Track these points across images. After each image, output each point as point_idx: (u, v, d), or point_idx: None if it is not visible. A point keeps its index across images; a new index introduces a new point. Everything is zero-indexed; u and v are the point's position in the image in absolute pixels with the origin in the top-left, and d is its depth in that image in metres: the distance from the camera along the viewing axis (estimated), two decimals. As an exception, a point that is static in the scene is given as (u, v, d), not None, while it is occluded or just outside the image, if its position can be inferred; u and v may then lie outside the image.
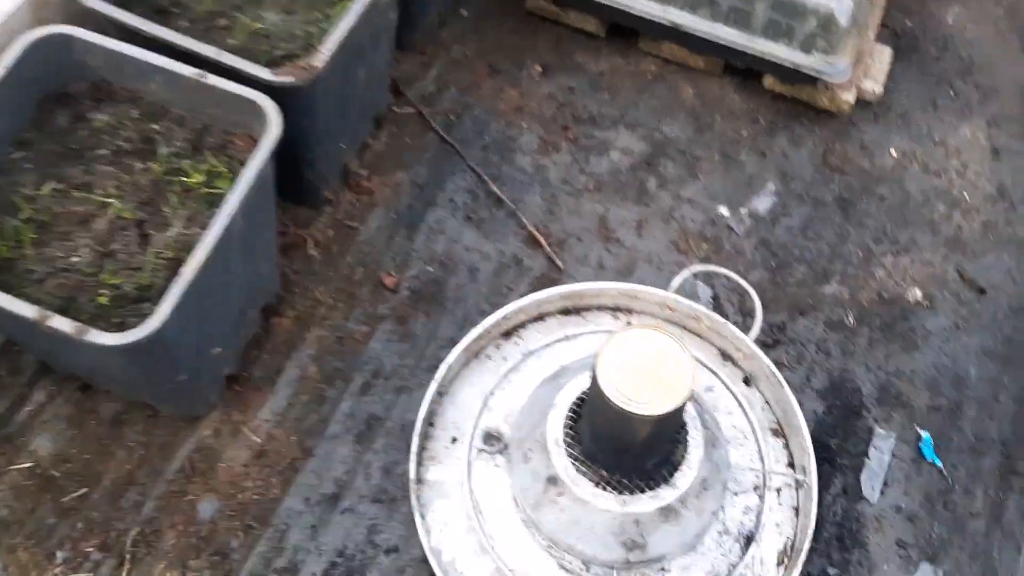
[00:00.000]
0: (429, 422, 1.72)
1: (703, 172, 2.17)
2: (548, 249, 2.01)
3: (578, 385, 1.57)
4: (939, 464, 1.83)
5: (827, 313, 2.00)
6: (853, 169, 2.21)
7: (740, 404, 1.75)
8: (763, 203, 2.14)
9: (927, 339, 1.98)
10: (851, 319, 1.99)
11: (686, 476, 1.51)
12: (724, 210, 2.12)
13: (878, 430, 1.86)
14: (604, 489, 1.50)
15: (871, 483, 1.80)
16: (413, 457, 1.64)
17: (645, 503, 1.49)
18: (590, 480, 1.51)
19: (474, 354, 1.80)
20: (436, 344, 1.89)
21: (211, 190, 1.57)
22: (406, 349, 1.89)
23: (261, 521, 1.69)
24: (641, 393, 1.33)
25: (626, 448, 1.46)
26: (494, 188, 2.08)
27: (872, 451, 1.84)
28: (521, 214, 2.06)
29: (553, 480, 1.52)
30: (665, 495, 1.50)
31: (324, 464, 1.76)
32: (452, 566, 1.59)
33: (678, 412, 1.39)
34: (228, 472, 1.73)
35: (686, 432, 1.54)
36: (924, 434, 1.86)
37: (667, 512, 1.51)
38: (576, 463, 1.52)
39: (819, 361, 1.93)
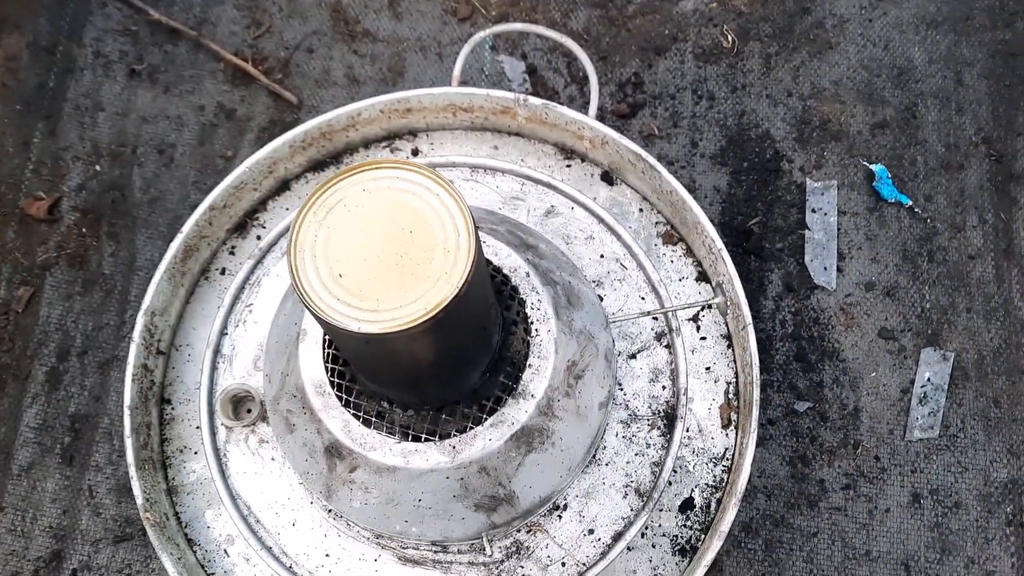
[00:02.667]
0: (163, 398, 1.09)
1: None
2: (267, 80, 1.31)
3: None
4: (906, 202, 1.25)
5: (694, 40, 1.35)
6: None
7: (601, 219, 1.13)
8: (561, -90, 1.44)
9: (842, 31, 1.36)
10: (730, 38, 1.35)
11: (538, 372, 0.90)
12: (509, -61, 1.42)
13: (810, 183, 1.26)
14: (417, 440, 0.89)
15: (822, 262, 1.22)
16: (132, 465, 1.01)
17: (486, 438, 0.89)
18: (390, 434, 0.90)
19: (200, 274, 1.15)
20: (140, 278, 1.22)
21: None
22: (98, 301, 1.22)
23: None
24: (377, 289, 0.69)
25: (423, 372, 0.84)
26: (158, 15, 1.34)
27: (810, 216, 1.24)
28: (211, 41, 1.34)
29: (335, 450, 0.91)
30: (513, 414, 0.89)
31: (25, 513, 1.13)
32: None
33: (476, 294, 0.75)
34: None
35: (520, 302, 0.92)
36: (875, 167, 1.27)
37: (526, 436, 0.91)
38: (360, 413, 0.90)
39: (702, 113, 1.30)
